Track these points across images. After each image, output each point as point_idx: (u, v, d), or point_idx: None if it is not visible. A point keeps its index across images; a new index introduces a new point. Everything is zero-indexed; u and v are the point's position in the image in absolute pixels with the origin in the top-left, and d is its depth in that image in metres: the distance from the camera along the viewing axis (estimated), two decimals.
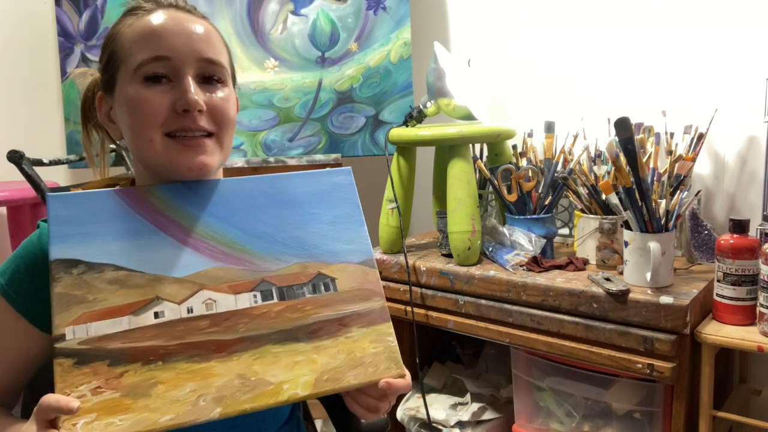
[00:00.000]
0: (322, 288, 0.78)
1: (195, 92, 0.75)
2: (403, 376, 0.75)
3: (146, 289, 0.72)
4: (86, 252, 0.72)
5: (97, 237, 0.73)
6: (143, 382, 0.67)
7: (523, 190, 1.50)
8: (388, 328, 0.78)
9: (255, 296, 0.75)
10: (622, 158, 1.23)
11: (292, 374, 0.72)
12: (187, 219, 0.76)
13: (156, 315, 0.71)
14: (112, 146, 0.94)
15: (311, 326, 0.75)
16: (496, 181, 1.52)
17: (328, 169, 0.85)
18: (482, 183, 1.72)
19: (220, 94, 0.79)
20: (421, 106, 1.65)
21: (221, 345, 0.71)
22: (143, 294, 0.71)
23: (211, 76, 0.78)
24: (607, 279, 1.26)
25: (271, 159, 1.88)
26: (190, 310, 0.72)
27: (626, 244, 1.25)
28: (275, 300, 0.75)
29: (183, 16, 0.78)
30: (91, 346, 0.68)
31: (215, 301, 0.73)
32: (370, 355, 0.75)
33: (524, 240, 1.45)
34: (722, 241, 1.18)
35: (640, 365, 1.19)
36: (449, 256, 1.53)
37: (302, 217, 0.81)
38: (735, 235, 1.17)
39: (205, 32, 0.79)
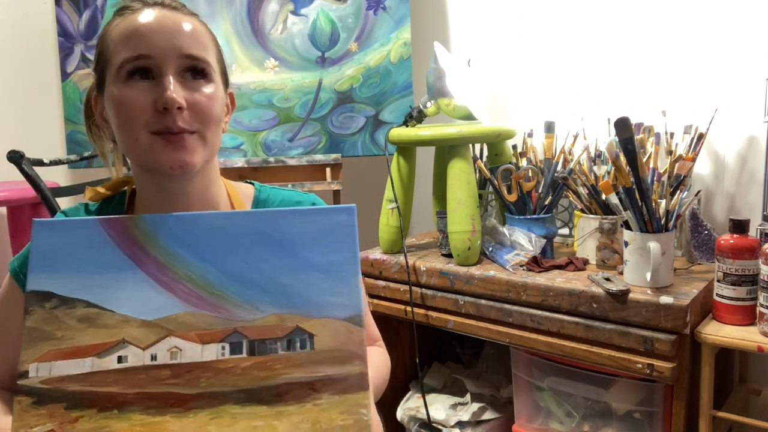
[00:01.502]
0: (298, 345, 0.71)
1: (174, 90, 0.75)
2: None
3: (114, 331, 0.69)
4: (61, 285, 0.70)
5: (74, 269, 0.71)
6: (96, 430, 0.66)
7: (523, 190, 1.50)
8: (364, 398, 0.69)
9: (223, 348, 0.70)
10: (622, 158, 1.23)
11: None
12: (167, 256, 0.73)
13: (119, 359, 0.69)
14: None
15: (278, 388, 0.69)
16: (496, 181, 1.52)
17: (331, 206, 0.78)
18: (482, 183, 1.72)
19: (205, 90, 0.79)
20: (421, 106, 1.65)
21: (179, 399, 0.68)
22: (110, 335, 0.69)
23: (194, 72, 0.78)
24: (607, 279, 1.26)
25: (271, 159, 1.88)
26: (153, 357, 0.69)
27: (626, 244, 1.25)
28: (244, 354, 0.70)
29: (167, 14, 0.79)
30: (51, 386, 0.67)
31: (181, 350, 0.70)
32: (338, 428, 0.67)
33: (524, 240, 1.45)
34: (722, 241, 1.18)
35: (640, 365, 1.19)
36: (449, 256, 1.53)
37: (291, 261, 0.73)
38: (735, 235, 1.17)
39: (190, 29, 0.79)
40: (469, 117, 1.59)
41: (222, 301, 0.72)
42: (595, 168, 1.50)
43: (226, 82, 0.86)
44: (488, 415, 1.54)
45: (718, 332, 1.15)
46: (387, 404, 1.64)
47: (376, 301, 1.58)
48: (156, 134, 0.76)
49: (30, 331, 0.68)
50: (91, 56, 1.99)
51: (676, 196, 1.27)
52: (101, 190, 0.88)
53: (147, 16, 0.78)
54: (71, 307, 0.70)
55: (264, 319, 0.72)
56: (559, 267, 1.40)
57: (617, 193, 1.27)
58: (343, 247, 0.75)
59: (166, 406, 0.67)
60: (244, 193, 0.92)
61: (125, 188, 0.89)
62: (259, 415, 0.68)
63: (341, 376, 0.70)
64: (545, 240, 1.46)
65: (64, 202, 1.57)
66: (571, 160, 1.52)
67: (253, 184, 0.95)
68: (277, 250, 0.74)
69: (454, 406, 1.57)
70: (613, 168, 1.29)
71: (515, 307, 1.34)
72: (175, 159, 0.76)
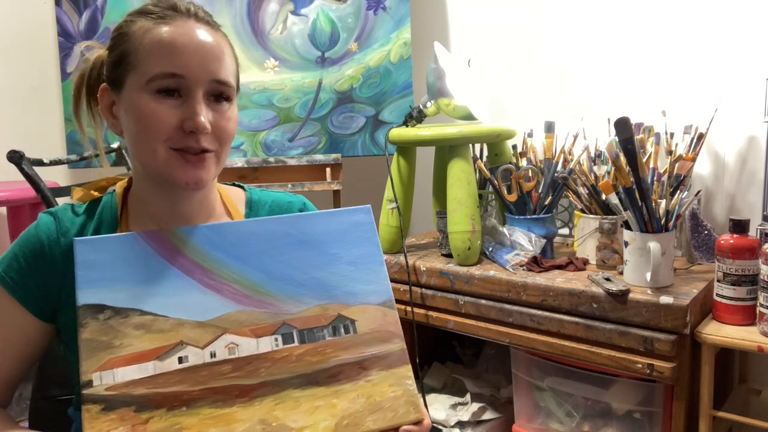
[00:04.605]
0: (342, 330, 0.78)
1: (204, 115, 0.76)
2: (421, 421, 0.76)
3: (170, 334, 0.73)
4: (112, 297, 0.73)
5: (123, 281, 0.74)
6: (168, 428, 0.69)
7: (523, 190, 1.50)
8: (407, 371, 0.78)
9: (276, 339, 0.76)
10: (622, 158, 1.23)
11: (313, 419, 0.72)
12: (210, 261, 0.78)
13: (180, 360, 0.72)
14: (113, 146, 0.94)
15: (331, 370, 0.76)
16: (496, 181, 1.52)
17: (348, 208, 0.85)
18: (482, 183, 1.72)
19: (227, 113, 0.80)
20: (421, 106, 1.65)
21: (243, 390, 0.72)
22: (167, 339, 0.73)
23: (219, 95, 0.79)
24: (607, 279, 1.26)
25: (271, 159, 1.88)
26: (213, 355, 0.74)
27: (626, 244, 1.25)
28: (296, 343, 0.76)
29: (200, 30, 0.78)
30: (117, 392, 0.69)
31: (237, 345, 0.75)
32: (390, 399, 0.75)
33: (524, 240, 1.45)
34: (722, 241, 1.18)
35: (640, 365, 1.19)
36: (449, 256, 1.53)
37: (323, 258, 0.81)
38: (735, 235, 1.17)
39: (219, 48, 0.79)
40: (469, 117, 1.59)
41: (267, 297, 0.78)
42: (595, 168, 1.50)
43: (237, 91, 0.86)
44: (488, 415, 1.54)
45: (718, 332, 1.15)
46: None
47: None
48: (175, 150, 0.77)
49: (87, 343, 0.71)
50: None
51: (676, 196, 1.27)
52: (90, 191, 0.88)
53: (182, 30, 0.77)
54: (125, 316, 0.73)
55: (308, 310, 0.79)
56: (559, 267, 1.40)
57: (617, 193, 1.27)
58: (365, 242, 0.84)
59: (232, 398, 0.72)
60: (236, 195, 0.93)
61: (112, 188, 0.89)
62: (318, 396, 0.74)
63: (385, 353, 0.78)
64: (545, 240, 1.46)
65: (63, 202, 1.57)
66: (571, 160, 1.52)
67: (241, 187, 0.96)
68: (306, 249, 0.82)
69: (454, 406, 1.57)
70: (613, 168, 1.29)
71: (515, 307, 1.34)
72: (191, 177, 0.78)
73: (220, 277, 0.77)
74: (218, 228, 0.80)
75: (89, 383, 0.69)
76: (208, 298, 0.76)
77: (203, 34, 0.78)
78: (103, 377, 0.70)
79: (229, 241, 0.79)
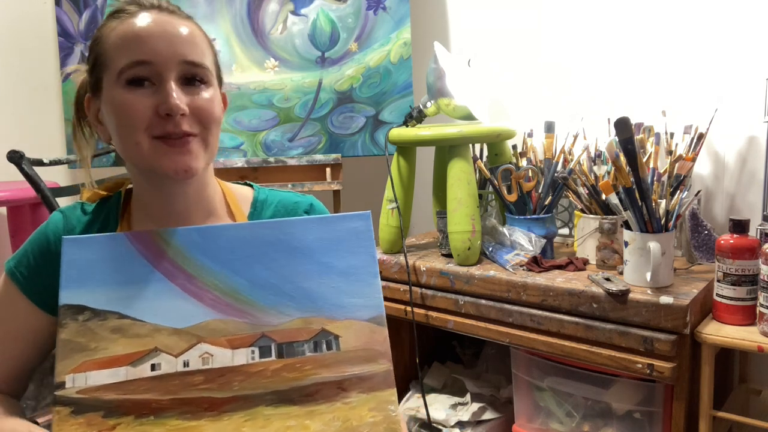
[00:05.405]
0: (324, 346, 0.74)
1: (177, 96, 0.75)
2: None
3: (146, 340, 0.71)
4: (93, 298, 0.72)
5: (105, 283, 0.73)
6: None
7: (523, 190, 1.50)
8: (391, 395, 0.72)
9: (253, 352, 0.72)
10: (622, 158, 1.23)
11: None
12: (195, 266, 0.75)
13: (153, 367, 0.71)
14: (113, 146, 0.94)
15: (308, 388, 0.72)
16: (496, 181, 1.52)
17: (346, 213, 0.81)
18: (482, 183, 1.72)
19: (204, 95, 0.79)
20: (421, 106, 1.65)
21: (213, 403, 0.70)
22: (143, 344, 0.71)
23: (193, 77, 0.78)
24: (607, 279, 1.26)
25: (271, 159, 1.88)
26: (186, 364, 0.71)
27: (626, 244, 1.25)
28: (273, 357, 0.72)
29: (165, 18, 0.78)
30: (88, 395, 0.68)
31: (212, 356, 0.72)
32: (368, 425, 0.70)
33: (524, 240, 1.45)
34: (722, 241, 1.18)
35: (640, 365, 1.19)
36: (449, 256, 1.53)
37: (312, 267, 0.77)
38: (735, 235, 1.17)
39: (188, 34, 0.79)
40: (469, 117, 1.59)
41: (249, 307, 0.74)
42: (595, 168, 1.50)
43: (220, 83, 0.86)
44: (488, 415, 1.54)
45: (718, 332, 1.15)
46: None
47: None
48: (158, 138, 0.76)
49: (64, 344, 0.70)
50: None
51: (676, 196, 1.27)
52: (99, 190, 0.88)
53: (146, 20, 0.77)
54: (103, 319, 0.72)
55: (290, 322, 0.74)
56: (559, 267, 1.40)
57: (617, 193, 1.27)
58: (361, 251, 0.78)
59: (201, 411, 0.69)
60: (242, 194, 0.92)
61: (122, 188, 0.89)
62: (291, 415, 0.70)
63: (368, 374, 0.73)
64: (545, 240, 1.46)
65: (63, 202, 1.57)
66: (571, 160, 1.52)
67: (251, 185, 0.95)
68: (297, 256, 0.77)
69: (454, 406, 1.57)
70: (613, 168, 1.29)
71: (515, 307, 1.34)
72: (179, 163, 0.77)
73: (202, 283, 0.75)
74: (206, 231, 0.77)
75: (62, 384, 0.68)
76: (188, 304, 0.73)
77: (169, 21, 0.78)
78: (76, 380, 0.69)
79: (216, 245, 0.76)
